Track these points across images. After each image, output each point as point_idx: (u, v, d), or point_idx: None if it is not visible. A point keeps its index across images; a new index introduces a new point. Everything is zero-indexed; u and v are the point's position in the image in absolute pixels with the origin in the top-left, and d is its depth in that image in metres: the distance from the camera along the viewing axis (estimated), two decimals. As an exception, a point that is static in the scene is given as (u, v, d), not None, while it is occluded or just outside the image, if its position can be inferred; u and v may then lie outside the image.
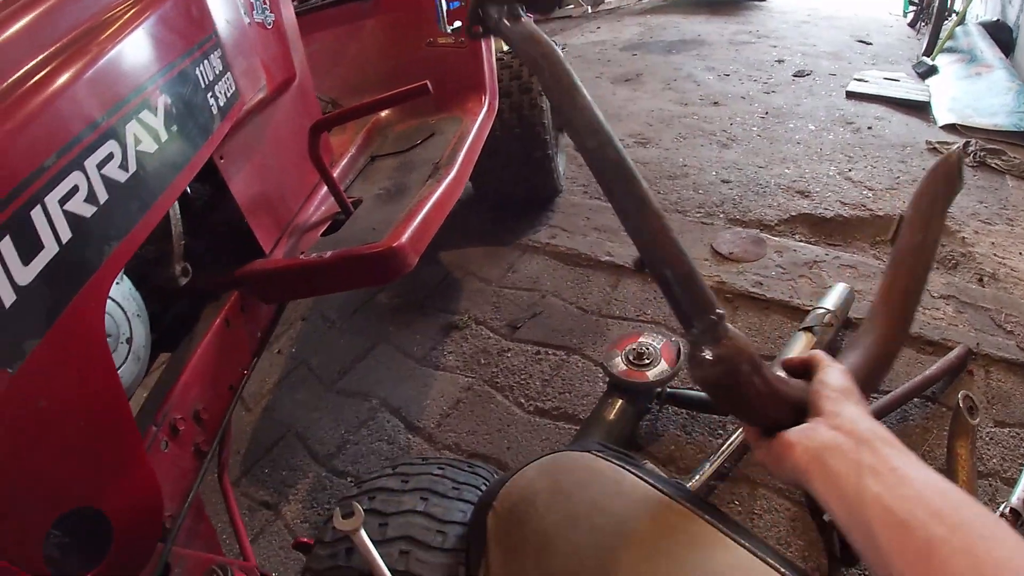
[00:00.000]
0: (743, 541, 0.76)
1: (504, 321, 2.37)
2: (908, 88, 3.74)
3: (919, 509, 0.49)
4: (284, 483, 1.99)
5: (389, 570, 0.87)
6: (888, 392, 1.78)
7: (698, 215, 2.76)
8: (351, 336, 2.51)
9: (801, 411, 0.67)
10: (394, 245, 1.36)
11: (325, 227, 1.61)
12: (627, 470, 0.89)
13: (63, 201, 0.81)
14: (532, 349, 2.22)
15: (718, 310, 0.68)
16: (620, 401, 1.73)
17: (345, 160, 1.95)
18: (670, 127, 3.50)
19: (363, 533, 0.89)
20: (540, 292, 2.47)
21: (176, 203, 1.23)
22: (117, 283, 1.09)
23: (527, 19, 1.09)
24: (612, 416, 1.71)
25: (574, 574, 0.78)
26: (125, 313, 1.09)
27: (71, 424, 0.81)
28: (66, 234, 0.80)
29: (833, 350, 1.95)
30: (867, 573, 1.47)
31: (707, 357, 0.65)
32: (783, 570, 0.72)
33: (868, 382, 0.81)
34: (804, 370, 0.73)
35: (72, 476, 0.82)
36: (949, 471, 1.46)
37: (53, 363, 0.77)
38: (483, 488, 1.08)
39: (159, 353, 1.36)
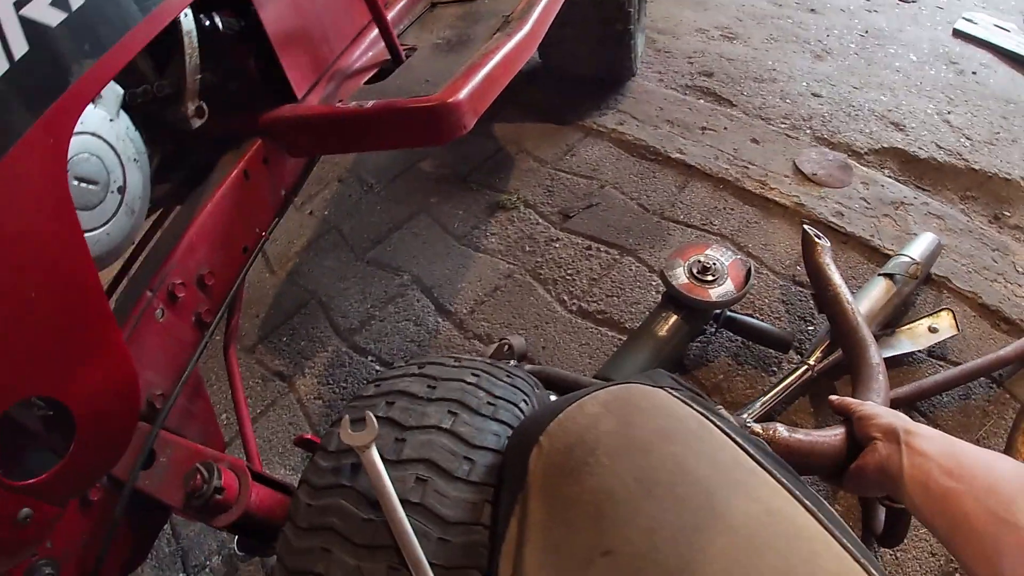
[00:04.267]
0: (842, 539, 0.60)
1: (556, 208, 2.15)
2: (1019, 42, 3.33)
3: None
4: (301, 354, 1.87)
5: (401, 501, 0.72)
6: (958, 364, 1.60)
7: (783, 126, 2.45)
8: (389, 203, 2.32)
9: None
10: (450, 100, 1.14)
11: (371, 75, 1.39)
12: (710, 420, 0.70)
13: (19, 4, 0.61)
14: (583, 243, 2.01)
15: None
16: (675, 317, 1.54)
17: (402, 2, 1.69)
18: (761, 26, 3.12)
19: (374, 452, 0.74)
20: (599, 181, 2.23)
21: (193, 29, 1.02)
22: (111, 120, 0.90)
23: None
24: (664, 333, 1.52)
25: (645, 559, 0.59)
26: (119, 157, 0.90)
27: (15, 295, 0.64)
28: (21, 48, 0.61)
29: (908, 304, 1.75)
30: (894, 556, 1.39)
31: None
32: None
33: None
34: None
35: (20, 359, 0.66)
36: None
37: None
38: (522, 406, 0.90)
39: (173, 207, 1.19)
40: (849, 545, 0.59)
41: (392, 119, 1.16)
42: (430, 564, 0.69)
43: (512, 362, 1.60)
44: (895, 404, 1.49)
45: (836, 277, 1.56)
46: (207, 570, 1.55)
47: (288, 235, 2.31)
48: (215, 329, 1.08)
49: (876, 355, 1.43)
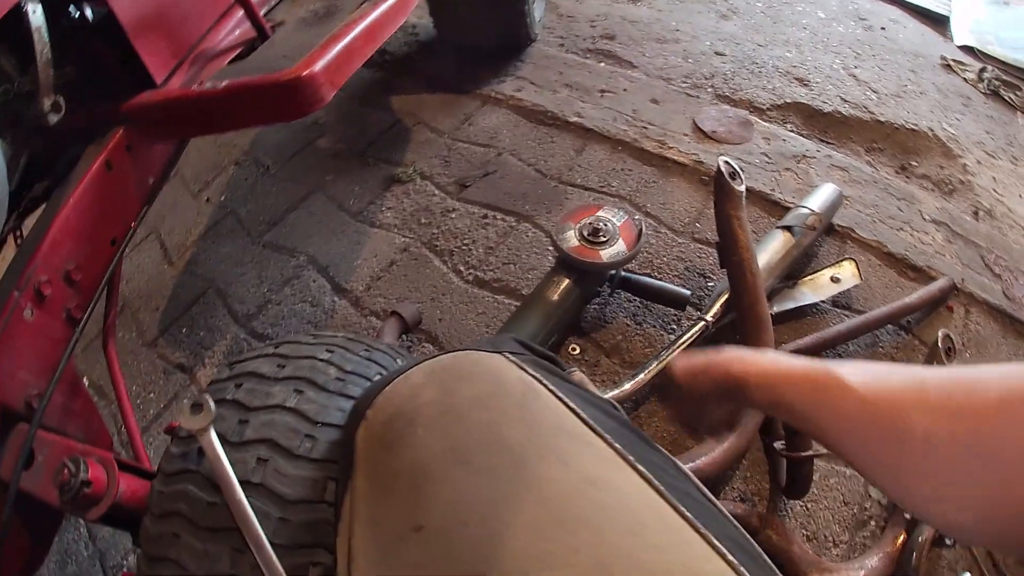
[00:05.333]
0: (687, 513, 0.56)
1: (453, 178, 2.15)
2: None
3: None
4: (201, 344, 1.84)
5: (240, 482, 0.70)
6: (863, 313, 1.66)
7: (684, 85, 2.49)
8: (285, 184, 2.29)
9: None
10: (303, 75, 1.13)
11: (235, 54, 1.37)
12: (544, 384, 0.68)
13: None
14: (479, 212, 2.02)
15: None
16: (567, 281, 1.57)
17: (270, -25, 1.66)
18: None
19: (212, 434, 0.71)
20: (496, 149, 2.24)
21: (43, 24, 1.00)
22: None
23: None
24: (556, 297, 1.55)
25: (453, 534, 0.56)
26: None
27: None
28: None
29: (810, 256, 1.82)
30: (805, 508, 1.43)
31: None
32: (732, 558, 0.53)
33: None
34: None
35: None
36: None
37: None
38: (376, 377, 0.89)
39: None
40: (687, 513, 0.56)
41: (246, 98, 1.16)
42: (272, 544, 0.68)
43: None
44: (799, 353, 1.55)
45: (744, 232, 1.51)
46: (125, 568, 1.55)
47: (185, 224, 2.26)
48: (87, 324, 1.07)
49: (764, 309, 1.49)
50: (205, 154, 2.55)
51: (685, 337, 1.54)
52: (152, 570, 0.76)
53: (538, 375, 0.69)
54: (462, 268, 1.88)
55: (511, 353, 0.73)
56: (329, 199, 2.18)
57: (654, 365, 1.50)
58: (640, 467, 0.60)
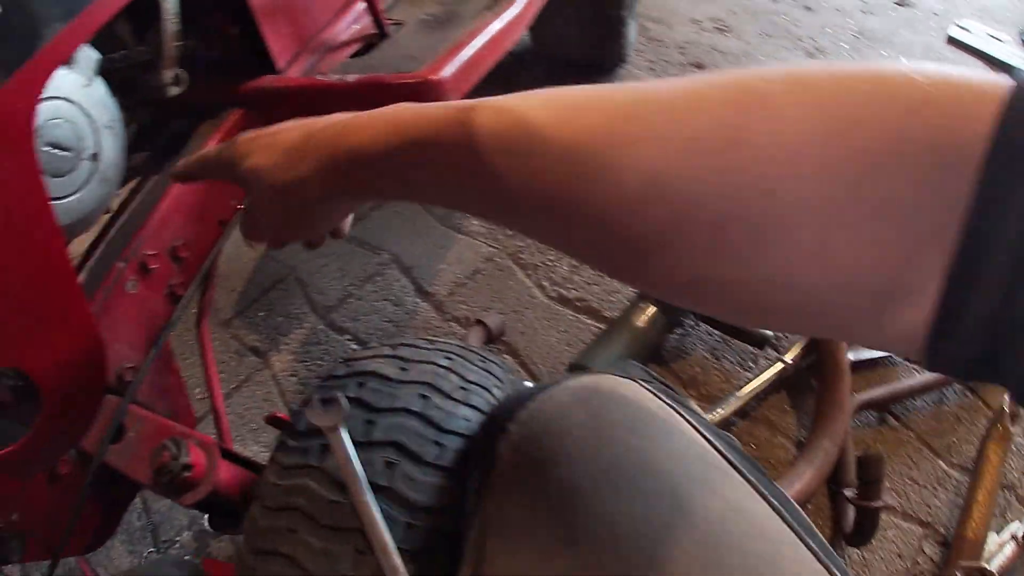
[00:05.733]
0: (812, 544, 0.58)
1: (542, 192, 2.13)
2: (1013, 54, 3.33)
3: None
4: (278, 330, 1.84)
5: (369, 484, 0.70)
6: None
7: None
8: (373, 180, 2.29)
9: None
10: (432, 78, 1.11)
11: (356, 49, 1.36)
12: (680, 413, 0.67)
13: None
14: (567, 229, 1.99)
15: None
16: (654, 309, 1.54)
17: (390, -23, 1.66)
18: (755, 20, 3.09)
19: (344, 433, 0.72)
20: (585, 167, 2.21)
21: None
22: (85, 85, 0.87)
23: None
24: (641, 323, 1.53)
25: (608, 554, 0.56)
26: (93, 123, 0.87)
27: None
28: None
29: None
30: (861, 556, 1.39)
31: None
32: None
33: None
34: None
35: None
36: (975, 471, 1.42)
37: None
38: (494, 391, 0.88)
39: (150, 177, 1.17)
40: (814, 546, 0.57)
41: (373, 94, 1.13)
42: (397, 549, 0.68)
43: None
44: (869, 405, 1.51)
45: None
46: (177, 545, 1.54)
47: (269, 208, 2.27)
48: (188, 303, 1.06)
49: (845, 357, 1.45)
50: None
51: (763, 377, 1.51)
52: (260, 563, 0.74)
53: (672, 404, 0.69)
54: (546, 284, 1.85)
55: (645, 382, 0.72)
56: (418, 201, 2.16)
57: (731, 402, 1.47)
58: (772, 500, 0.60)
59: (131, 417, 0.93)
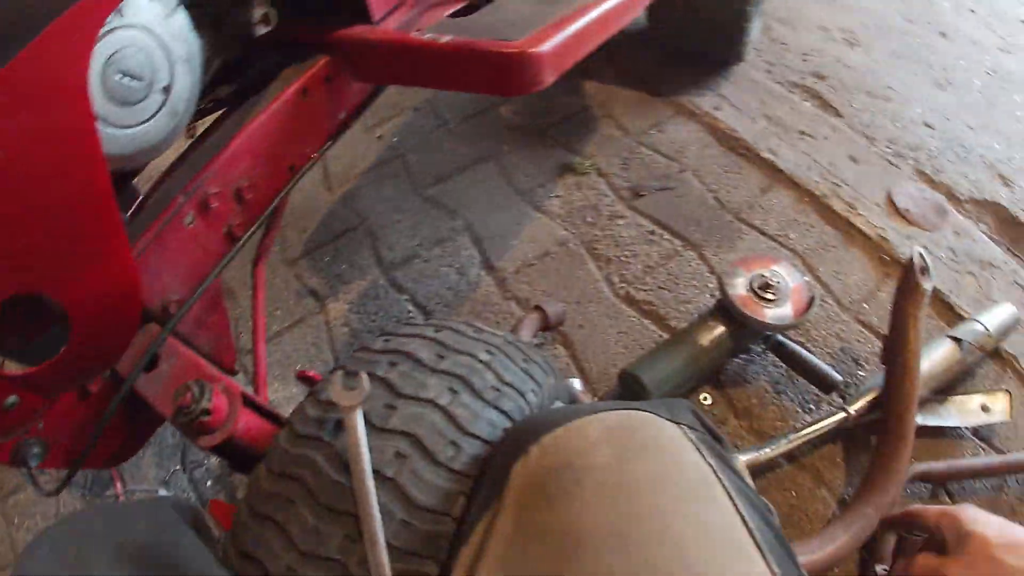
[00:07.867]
0: None
1: (629, 183, 2.04)
2: None
3: None
4: (340, 278, 1.84)
5: (374, 472, 0.67)
6: (1002, 453, 1.47)
7: (887, 150, 2.25)
8: (459, 142, 2.25)
9: None
10: (530, 51, 1.03)
11: (455, 8, 1.31)
12: (717, 476, 0.62)
13: None
14: (648, 226, 1.91)
15: None
16: (722, 328, 1.46)
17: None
18: (887, 38, 2.86)
19: (359, 416, 0.69)
20: (680, 165, 2.11)
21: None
22: (166, 16, 0.85)
23: None
24: (706, 342, 1.45)
25: None
26: (169, 55, 0.86)
27: (17, 189, 0.61)
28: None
29: (968, 374, 1.59)
30: None
31: None
32: None
33: None
34: None
35: (15, 255, 0.63)
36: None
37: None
38: (529, 396, 0.83)
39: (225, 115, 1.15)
40: None
41: (465, 59, 1.07)
42: (387, 544, 0.65)
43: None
44: (925, 477, 1.39)
45: (916, 335, 1.37)
46: (204, 468, 1.57)
47: (352, 155, 2.27)
48: (245, 244, 1.04)
49: (912, 421, 1.34)
50: (386, 91, 2.55)
51: (821, 423, 1.40)
52: (254, 525, 0.72)
53: (712, 463, 0.64)
54: (616, 280, 1.78)
55: (689, 427, 0.68)
56: (500, 170, 2.12)
57: (782, 444, 1.37)
58: None
59: (168, 349, 0.93)
